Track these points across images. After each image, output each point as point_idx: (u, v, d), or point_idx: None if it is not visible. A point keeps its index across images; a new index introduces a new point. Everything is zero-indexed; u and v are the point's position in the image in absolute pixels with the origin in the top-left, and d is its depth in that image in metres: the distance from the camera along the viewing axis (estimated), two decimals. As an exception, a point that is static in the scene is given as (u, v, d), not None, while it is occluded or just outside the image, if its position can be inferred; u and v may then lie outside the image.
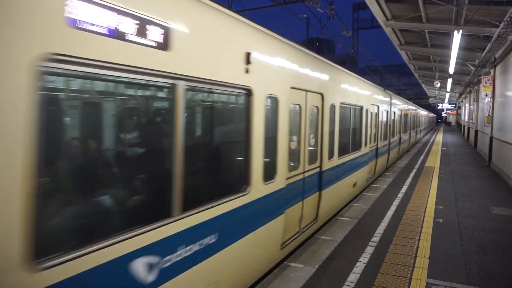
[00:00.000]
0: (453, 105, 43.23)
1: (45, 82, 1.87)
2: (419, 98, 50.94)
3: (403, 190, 9.55)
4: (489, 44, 11.10)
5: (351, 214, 7.28)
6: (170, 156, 2.72)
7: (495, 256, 5.21)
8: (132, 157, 2.78)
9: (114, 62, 2.18)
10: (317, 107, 5.86)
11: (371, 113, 10.18)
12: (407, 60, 22.04)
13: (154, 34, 2.45)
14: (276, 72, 4.30)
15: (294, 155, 5.04)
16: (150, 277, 2.46)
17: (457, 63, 15.33)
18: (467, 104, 30.34)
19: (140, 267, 2.37)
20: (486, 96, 14.62)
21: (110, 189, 2.46)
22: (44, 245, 1.87)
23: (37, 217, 1.80)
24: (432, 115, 58.81)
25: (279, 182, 4.36)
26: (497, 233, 6.22)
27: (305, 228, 5.52)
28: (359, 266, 4.76)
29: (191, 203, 2.90)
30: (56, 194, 2.11)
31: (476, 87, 21.57)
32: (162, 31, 2.52)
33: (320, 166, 5.99)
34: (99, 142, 2.52)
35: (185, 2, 2.90)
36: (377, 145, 11.28)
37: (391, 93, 14.17)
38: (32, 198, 1.78)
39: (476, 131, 21.18)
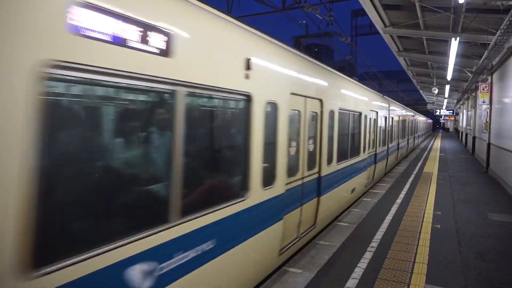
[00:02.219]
0: (451, 111, 43.47)
1: (47, 87, 1.90)
2: (417, 104, 51.20)
3: (402, 195, 9.58)
4: (486, 51, 11.20)
5: (350, 219, 7.29)
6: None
7: (493, 262, 5.22)
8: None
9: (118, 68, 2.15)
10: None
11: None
12: (405, 66, 22.17)
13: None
14: None
15: None
16: (146, 284, 2.37)
17: (454, 69, 15.44)
18: (464, 111, 30.49)
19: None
20: (483, 102, 14.73)
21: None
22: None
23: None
24: (428, 120, 54.17)
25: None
26: (495, 239, 6.24)
27: None
28: (358, 272, 4.77)
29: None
30: None
31: (473, 94, 21.70)
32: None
33: None
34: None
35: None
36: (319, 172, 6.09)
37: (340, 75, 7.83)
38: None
39: (473, 137, 21.27)
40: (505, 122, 11.47)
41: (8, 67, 1.71)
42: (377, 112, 11.33)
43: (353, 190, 8.60)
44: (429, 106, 53.19)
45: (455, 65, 13.70)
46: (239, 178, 3.78)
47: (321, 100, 6.07)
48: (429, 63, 19.91)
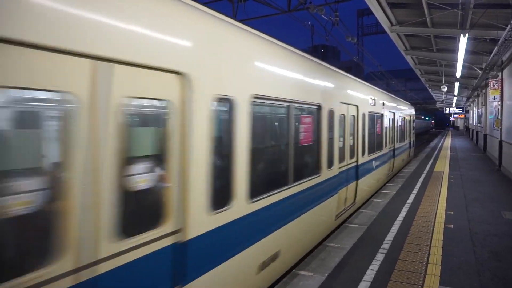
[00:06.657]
0: (461, 109, 42.88)
1: None
2: (426, 103, 50.70)
3: (412, 195, 9.44)
4: (496, 47, 11.02)
5: (360, 220, 7.20)
6: None
7: (509, 262, 5.09)
8: None
9: None
10: None
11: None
12: (413, 65, 21.95)
13: None
14: None
15: None
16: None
17: (463, 67, 15.23)
18: (475, 108, 30.05)
19: None
20: (494, 99, 14.48)
21: None
22: None
23: None
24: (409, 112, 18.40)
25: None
26: (510, 238, 6.09)
27: None
28: (370, 274, 4.70)
29: None
30: None
31: (483, 91, 21.38)
32: None
33: None
34: None
35: None
36: None
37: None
38: None
39: (485, 135, 20.93)
40: (517, 118, 11.26)
41: None
42: (357, 107, 7.74)
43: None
44: (438, 105, 52.63)
45: (464, 62, 13.50)
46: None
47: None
48: (437, 61, 19.68)
